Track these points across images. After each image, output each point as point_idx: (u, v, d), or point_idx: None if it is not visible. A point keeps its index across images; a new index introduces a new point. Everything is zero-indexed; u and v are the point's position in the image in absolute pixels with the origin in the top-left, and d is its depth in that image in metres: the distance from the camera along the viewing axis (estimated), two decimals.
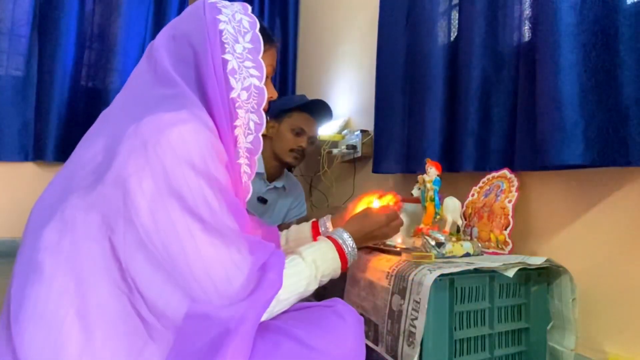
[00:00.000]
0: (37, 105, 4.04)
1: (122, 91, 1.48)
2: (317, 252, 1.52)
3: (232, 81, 1.42)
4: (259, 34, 1.49)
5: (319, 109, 2.99)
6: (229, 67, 1.42)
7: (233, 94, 1.42)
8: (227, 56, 1.42)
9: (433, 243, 1.93)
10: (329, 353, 1.27)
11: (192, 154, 1.20)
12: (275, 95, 1.66)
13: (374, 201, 2.07)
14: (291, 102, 2.99)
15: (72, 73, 4.22)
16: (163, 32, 1.53)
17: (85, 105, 4.25)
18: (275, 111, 3.00)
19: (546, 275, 1.96)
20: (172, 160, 1.17)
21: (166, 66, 1.40)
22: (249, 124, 1.47)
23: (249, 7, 1.54)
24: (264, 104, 1.50)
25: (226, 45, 1.42)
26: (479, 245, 2.05)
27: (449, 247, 1.93)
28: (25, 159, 4.03)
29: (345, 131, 3.98)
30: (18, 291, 1.16)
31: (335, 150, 3.92)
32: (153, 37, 4.66)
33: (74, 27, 4.21)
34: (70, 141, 4.11)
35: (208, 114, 1.35)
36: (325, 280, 1.52)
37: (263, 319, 1.27)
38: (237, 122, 1.45)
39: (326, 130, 4.09)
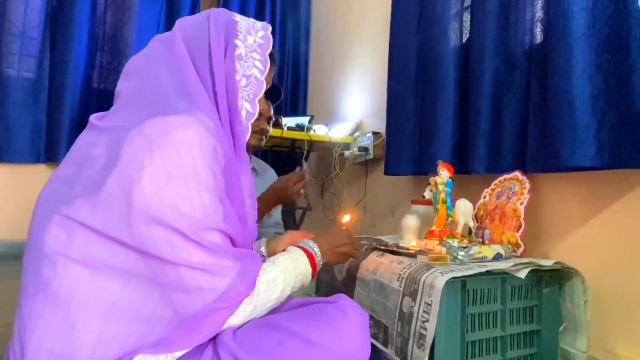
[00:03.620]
0: (48, 107, 4.03)
1: (135, 76, 1.49)
2: (288, 259, 1.53)
3: (237, 65, 1.47)
4: (271, 36, 1.56)
5: (270, 91, 2.99)
6: (237, 51, 1.48)
7: (236, 76, 1.47)
8: (238, 42, 1.49)
9: (457, 245, 1.92)
10: (332, 348, 1.28)
11: (195, 159, 1.22)
12: (265, 108, 1.70)
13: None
14: None
15: (84, 75, 4.22)
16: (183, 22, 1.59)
17: (97, 107, 4.20)
18: None
19: (558, 278, 1.96)
20: (175, 163, 1.19)
21: (182, 51, 1.44)
22: (242, 111, 1.50)
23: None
24: (260, 95, 1.53)
25: (239, 33, 1.49)
26: (509, 247, 2.04)
27: (475, 249, 1.92)
28: (37, 160, 4.03)
29: (357, 133, 3.99)
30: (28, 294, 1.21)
31: (347, 152, 3.93)
32: None
33: (85, 29, 4.20)
34: None
35: (213, 106, 1.41)
36: (297, 287, 1.53)
37: (238, 322, 1.33)
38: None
39: (338, 132, 4.11)
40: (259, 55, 1.52)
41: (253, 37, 1.52)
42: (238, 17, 1.54)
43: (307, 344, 1.26)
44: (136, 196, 1.15)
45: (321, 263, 1.64)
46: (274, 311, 1.44)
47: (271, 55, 1.58)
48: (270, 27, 1.60)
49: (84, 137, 1.39)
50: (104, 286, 1.17)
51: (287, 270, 1.46)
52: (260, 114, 2.80)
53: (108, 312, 1.17)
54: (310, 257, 1.59)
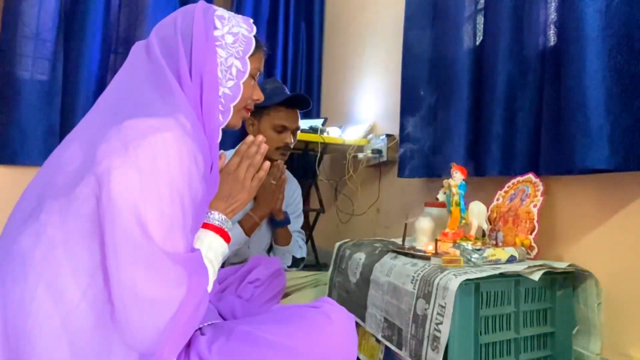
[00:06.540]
0: (62, 110, 4.04)
1: (111, 88, 1.45)
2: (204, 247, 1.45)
3: (218, 23, 1.45)
4: (251, 20, 1.55)
5: (295, 99, 2.89)
6: (218, 13, 1.47)
7: (216, 33, 1.43)
8: (218, 12, 1.48)
9: (470, 247, 1.91)
10: (312, 353, 1.28)
11: (171, 164, 1.17)
12: (262, 97, 1.66)
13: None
14: (266, 97, 2.75)
15: (98, 77, 4.23)
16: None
17: None
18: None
19: (572, 280, 1.96)
20: (151, 167, 1.14)
21: (156, 54, 1.40)
22: (232, 69, 1.45)
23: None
24: (251, 51, 1.49)
25: (217, 9, 1.49)
26: (523, 249, 2.04)
27: (489, 251, 1.92)
28: None
29: (370, 135, 3.99)
30: None
31: (360, 155, 3.93)
32: None
33: (99, 31, 4.22)
34: None
35: (191, 103, 1.37)
36: (229, 254, 1.56)
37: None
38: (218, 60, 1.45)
39: (351, 134, 4.12)
40: (242, 20, 1.51)
41: (233, 14, 1.50)
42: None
43: (291, 355, 1.25)
44: (104, 199, 1.10)
45: (230, 224, 1.58)
46: (258, 312, 1.44)
47: (258, 41, 1.56)
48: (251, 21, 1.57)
49: (74, 132, 1.36)
50: (62, 290, 1.11)
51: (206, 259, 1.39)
52: (283, 126, 2.77)
53: (62, 325, 1.10)
54: (216, 229, 1.52)
